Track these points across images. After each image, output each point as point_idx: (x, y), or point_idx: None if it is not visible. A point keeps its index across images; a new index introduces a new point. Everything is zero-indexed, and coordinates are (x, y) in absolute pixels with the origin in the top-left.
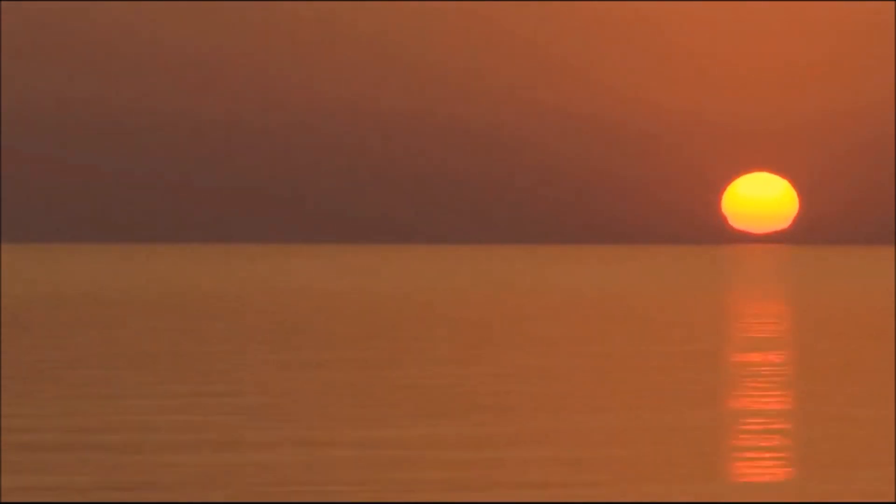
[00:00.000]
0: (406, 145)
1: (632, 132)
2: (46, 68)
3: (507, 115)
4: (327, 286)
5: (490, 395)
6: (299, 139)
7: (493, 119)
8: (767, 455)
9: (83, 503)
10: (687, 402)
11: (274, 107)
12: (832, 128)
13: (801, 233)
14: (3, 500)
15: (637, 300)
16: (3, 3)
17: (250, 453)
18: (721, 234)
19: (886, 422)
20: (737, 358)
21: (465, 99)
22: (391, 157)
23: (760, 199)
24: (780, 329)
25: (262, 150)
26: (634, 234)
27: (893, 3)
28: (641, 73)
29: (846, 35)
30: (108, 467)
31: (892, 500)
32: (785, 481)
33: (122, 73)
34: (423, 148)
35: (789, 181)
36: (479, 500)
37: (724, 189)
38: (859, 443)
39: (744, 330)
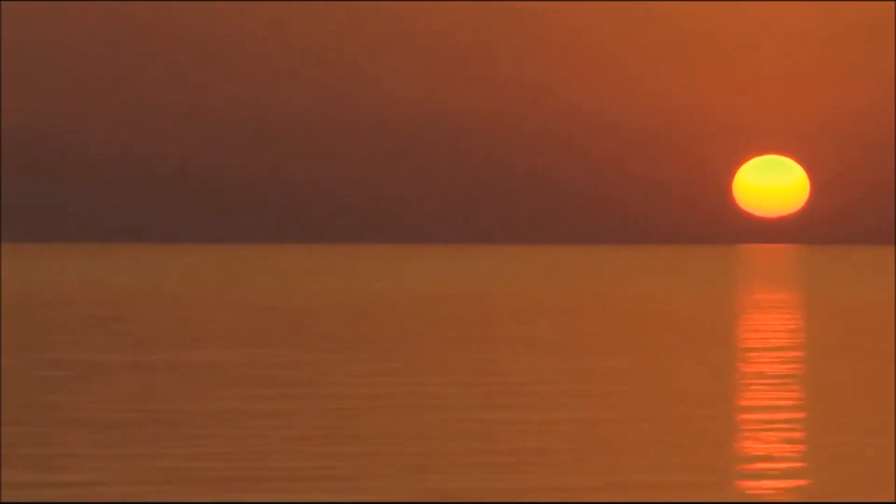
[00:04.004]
0: (409, 146)
1: (636, 129)
2: (47, 68)
3: (510, 117)
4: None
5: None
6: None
7: (497, 120)
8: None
9: (84, 503)
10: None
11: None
12: (838, 114)
13: (813, 217)
14: (4, 500)
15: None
16: (2, 2)
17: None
18: (732, 222)
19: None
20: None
21: (472, 97)
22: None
23: (771, 185)
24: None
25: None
26: (645, 230)
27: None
28: (644, 71)
29: (851, 34)
30: None
31: (893, 501)
32: (793, 487)
33: (123, 73)
34: (424, 150)
35: (800, 163)
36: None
37: (734, 174)
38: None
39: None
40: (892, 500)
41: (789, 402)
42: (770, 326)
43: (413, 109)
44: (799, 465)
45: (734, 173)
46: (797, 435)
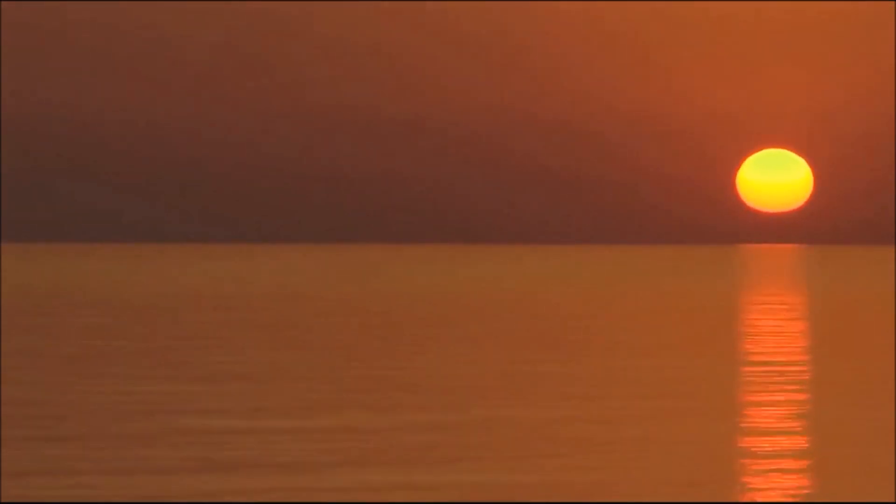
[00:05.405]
0: (411, 145)
1: (639, 127)
2: (47, 68)
3: (512, 114)
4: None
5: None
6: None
7: (500, 118)
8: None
9: (85, 503)
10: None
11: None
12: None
13: (817, 213)
14: (3, 500)
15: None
16: (2, 3)
17: None
18: (737, 218)
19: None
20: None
21: (475, 96)
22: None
23: (775, 181)
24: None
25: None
26: (647, 228)
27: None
28: (644, 70)
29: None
30: None
31: (893, 501)
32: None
33: (122, 75)
34: (432, 149)
35: (804, 158)
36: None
37: (738, 169)
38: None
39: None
40: (893, 501)
41: (791, 402)
42: (780, 327)
43: (414, 104)
44: (798, 465)
45: (738, 168)
46: (797, 436)
